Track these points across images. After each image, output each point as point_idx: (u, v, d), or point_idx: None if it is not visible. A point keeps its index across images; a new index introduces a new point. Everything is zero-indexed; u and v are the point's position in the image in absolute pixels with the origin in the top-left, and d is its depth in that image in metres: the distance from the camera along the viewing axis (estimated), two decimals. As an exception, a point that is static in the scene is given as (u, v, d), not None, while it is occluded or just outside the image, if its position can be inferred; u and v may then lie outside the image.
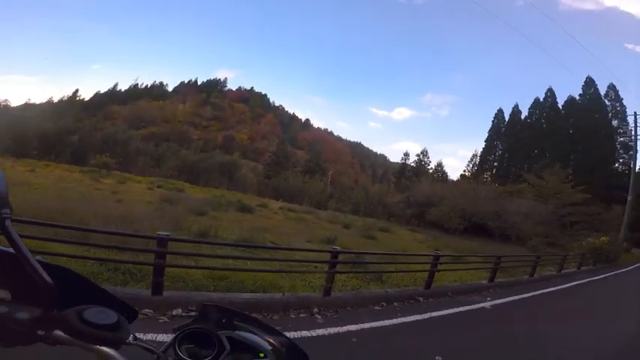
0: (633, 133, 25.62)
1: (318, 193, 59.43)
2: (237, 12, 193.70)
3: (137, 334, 0.66)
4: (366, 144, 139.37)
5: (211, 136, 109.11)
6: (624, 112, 43.25)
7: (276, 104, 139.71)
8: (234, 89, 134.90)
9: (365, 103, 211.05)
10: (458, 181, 47.99)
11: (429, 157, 61.47)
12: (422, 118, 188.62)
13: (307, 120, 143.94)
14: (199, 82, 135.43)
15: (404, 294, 6.44)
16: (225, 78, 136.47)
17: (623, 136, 42.83)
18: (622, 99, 46.09)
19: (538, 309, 7.47)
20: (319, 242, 11.43)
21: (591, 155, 42.82)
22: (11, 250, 0.58)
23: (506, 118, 57.23)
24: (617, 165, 44.48)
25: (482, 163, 57.18)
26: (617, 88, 46.47)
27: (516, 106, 55.30)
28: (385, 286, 6.95)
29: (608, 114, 46.71)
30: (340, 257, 5.81)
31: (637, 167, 31.42)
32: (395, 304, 5.94)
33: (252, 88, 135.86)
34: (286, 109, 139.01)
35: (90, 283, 0.72)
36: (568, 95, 50.71)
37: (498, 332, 5.38)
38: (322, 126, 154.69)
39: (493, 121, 58.02)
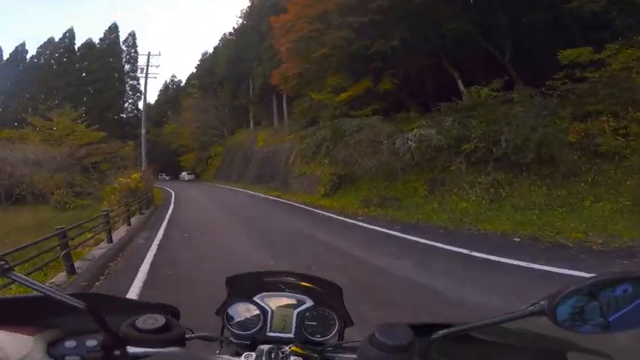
0: (145, 72, 26.46)
1: None
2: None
3: None
4: None
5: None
6: (137, 57, 46.95)
7: None
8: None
9: None
10: None
11: None
12: None
13: None
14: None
15: None
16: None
17: (132, 80, 46.33)
18: (137, 46, 49.89)
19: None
20: None
21: (103, 97, 42.83)
22: (34, 294, 0.60)
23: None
24: (126, 105, 47.89)
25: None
26: (136, 34, 48.36)
27: (22, 45, 43.25)
28: None
29: (122, 59, 48.53)
30: None
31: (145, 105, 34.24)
32: None
33: None
34: None
35: (121, 299, 0.78)
36: (87, 38, 47.10)
37: None
38: None
39: None
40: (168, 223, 11.08)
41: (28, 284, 0.58)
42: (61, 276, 5.67)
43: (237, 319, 0.84)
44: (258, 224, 10.07)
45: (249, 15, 40.96)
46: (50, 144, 29.53)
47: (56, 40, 44.22)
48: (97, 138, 33.68)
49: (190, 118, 44.76)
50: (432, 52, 14.89)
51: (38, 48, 44.66)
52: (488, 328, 0.62)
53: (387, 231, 8.14)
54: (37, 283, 0.59)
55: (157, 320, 0.64)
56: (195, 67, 55.97)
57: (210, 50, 53.56)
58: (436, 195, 10.73)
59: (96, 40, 47.48)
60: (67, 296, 0.59)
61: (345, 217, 10.48)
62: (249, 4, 42.03)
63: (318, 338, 0.82)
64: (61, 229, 5.88)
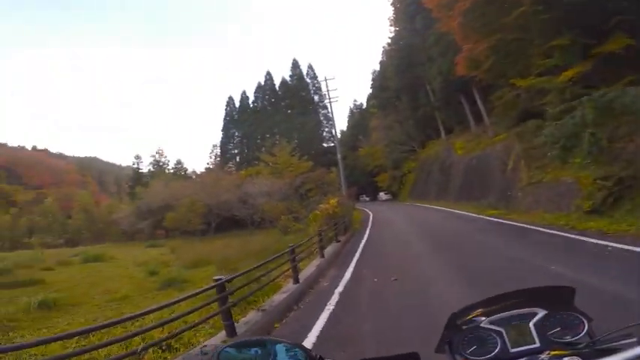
0: (328, 96, 28.10)
1: (6, 231, 38.90)
2: None
3: None
4: (105, 158, 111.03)
5: None
6: (320, 87, 52.13)
7: None
8: None
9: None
10: (198, 174, 42.81)
11: (166, 157, 53.23)
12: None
13: None
14: None
15: None
16: None
17: (323, 109, 51.82)
18: (317, 76, 55.85)
19: None
20: None
21: (305, 129, 49.17)
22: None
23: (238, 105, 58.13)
24: (324, 134, 53.44)
25: (224, 152, 55.79)
26: (313, 66, 55.81)
27: (244, 92, 56.96)
28: None
29: (310, 91, 55.61)
30: None
31: (336, 130, 36.73)
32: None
33: None
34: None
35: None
36: (281, 77, 56.88)
37: None
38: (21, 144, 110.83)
39: (226, 109, 57.30)
40: (360, 256, 9.17)
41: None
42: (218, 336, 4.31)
43: (470, 349, 0.86)
44: (492, 272, 5.85)
45: (395, 20, 38.25)
46: (275, 176, 35.76)
47: (262, 84, 55.10)
48: (307, 167, 38.44)
49: (378, 138, 44.77)
50: None
51: (254, 93, 56.67)
52: None
53: None
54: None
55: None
56: (370, 87, 56.53)
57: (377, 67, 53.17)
58: None
59: (287, 77, 54.88)
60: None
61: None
62: (392, 9, 38.89)
63: (568, 339, 0.84)
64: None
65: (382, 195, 47.51)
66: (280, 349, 0.82)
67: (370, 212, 26.04)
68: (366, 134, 51.03)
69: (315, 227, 14.64)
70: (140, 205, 34.19)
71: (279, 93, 56.23)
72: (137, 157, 53.72)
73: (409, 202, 33.72)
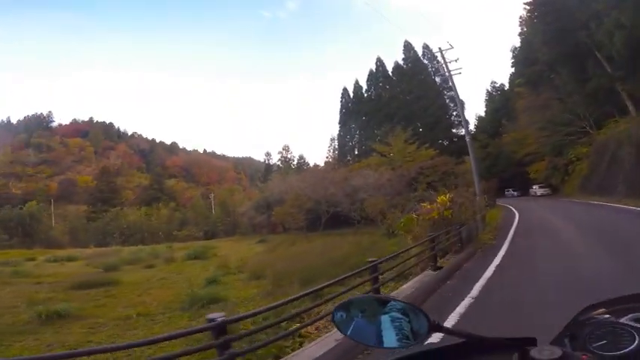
0: (445, 68, 21.52)
1: (163, 224, 47.03)
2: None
3: None
4: (256, 157, 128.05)
5: (41, 184, 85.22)
6: (439, 68, 44.01)
7: (129, 132, 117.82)
8: (66, 123, 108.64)
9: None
10: (311, 168, 41.65)
11: (291, 153, 55.03)
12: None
13: (174, 143, 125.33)
14: (14, 121, 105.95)
15: None
16: (50, 112, 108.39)
17: (448, 91, 43.11)
18: (436, 57, 47.50)
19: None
20: None
21: (428, 113, 41.98)
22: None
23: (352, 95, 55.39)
24: (452, 118, 44.61)
25: (342, 146, 53.76)
26: (430, 47, 47.26)
27: (357, 82, 53.25)
28: None
29: (430, 73, 47.72)
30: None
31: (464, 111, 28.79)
32: None
33: (91, 118, 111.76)
34: (144, 136, 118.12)
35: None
36: (394, 61, 50.78)
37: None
38: (195, 147, 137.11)
39: (341, 101, 55.10)
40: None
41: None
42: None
43: (598, 343, 0.81)
44: None
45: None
46: (387, 168, 30.88)
47: (374, 70, 49.49)
48: (429, 156, 32.09)
49: (529, 121, 33.79)
50: None
51: (367, 81, 51.77)
52: None
53: None
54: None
55: (553, 352, 0.69)
56: (512, 66, 45.77)
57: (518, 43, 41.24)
58: None
59: (400, 61, 48.37)
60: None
61: None
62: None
63: None
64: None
65: (537, 189, 36.16)
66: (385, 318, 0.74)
67: (517, 213, 18.46)
68: (511, 118, 40.25)
69: (418, 235, 9.70)
70: (259, 199, 35.13)
71: (394, 79, 50.87)
72: (267, 155, 57.52)
73: (578, 200, 23.44)
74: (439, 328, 0.70)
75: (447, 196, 10.70)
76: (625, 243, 7.40)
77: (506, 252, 8.38)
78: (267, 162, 56.72)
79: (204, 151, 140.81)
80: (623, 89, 25.41)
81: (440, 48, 20.72)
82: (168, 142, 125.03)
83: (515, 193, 40.59)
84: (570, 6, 25.90)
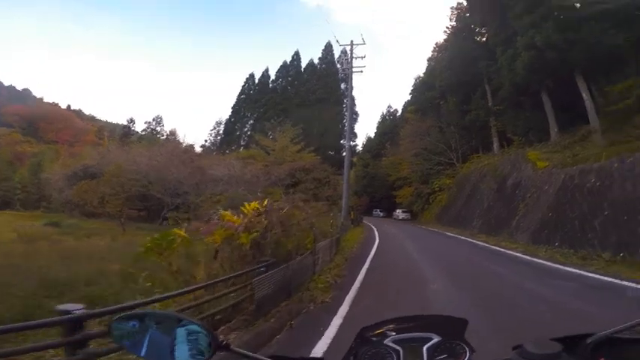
0: (349, 58, 19.94)
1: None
2: None
3: None
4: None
5: None
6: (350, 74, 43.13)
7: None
8: None
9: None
10: (171, 143, 34.49)
11: (163, 125, 46.27)
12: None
13: (27, 90, 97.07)
14: None
15: None
16: None
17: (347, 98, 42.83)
18: (347, 60, 47.14)
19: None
20: None
21: (322, 118, 40.75)
22: None
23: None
24: (345, 129, 44.44)
25: (229, 132, 48.04)
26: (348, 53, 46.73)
27: (266, 70, 49.91)
28: None
29: (338, 79, 47.40)
30: None
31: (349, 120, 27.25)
32: None
33: None
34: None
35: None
36: (310, 59, 48.83)
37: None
38: (58, 102, 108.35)
39: (243, 86, 49.89)
40: None
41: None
42: None
43: None
44: None
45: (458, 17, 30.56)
46: (264, 165, 27.16)
47: (288, 63, 46.72)
48: (310, 160, 29.81)
49: (409, 147, 35.17)
50: None
51: (277, 72, 48.60)
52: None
53: None
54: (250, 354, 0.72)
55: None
56: (410, 93, 48.34)
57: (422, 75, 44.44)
58: None
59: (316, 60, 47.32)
60: None
61: None
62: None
63: None
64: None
65: (399, 212, 37.94)
66: (181, 332, 0.69)
67: (377, 237, 16.74)
68: (395, 142, 42.22)
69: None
70: (78, 167, 25.73)
71: (305, 76, 48.42)
72: (130, 121, 47.24)
73: (436, 228, 24.19)
74: (226, 347, 0.68)
75: (257, 204, 6.06)
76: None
77: (355, 295, 5.17)
78: (128, 128, 46.33)
79: (69, 107, 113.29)
80: (494, 125, 26.32)
81: (352, 41, 20.55)
82: (20, 87, 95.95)
83: (382, 214, 42.66)
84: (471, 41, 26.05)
